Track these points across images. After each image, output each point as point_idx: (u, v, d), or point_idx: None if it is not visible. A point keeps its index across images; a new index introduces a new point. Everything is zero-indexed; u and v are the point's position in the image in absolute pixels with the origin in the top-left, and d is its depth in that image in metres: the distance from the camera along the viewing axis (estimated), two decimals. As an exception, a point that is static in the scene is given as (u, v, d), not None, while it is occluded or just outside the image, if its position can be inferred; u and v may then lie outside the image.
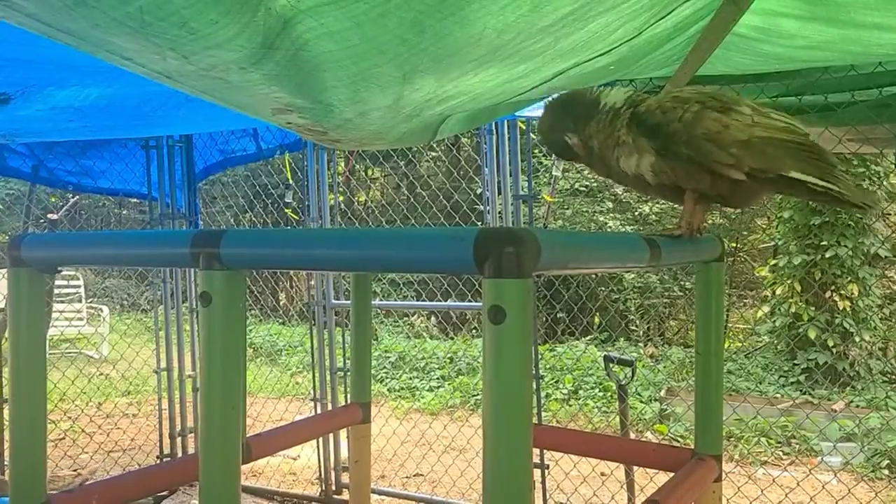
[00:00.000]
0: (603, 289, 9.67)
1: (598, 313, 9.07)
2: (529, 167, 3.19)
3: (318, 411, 3.75)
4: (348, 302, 4.95)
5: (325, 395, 3.79)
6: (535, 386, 3.26)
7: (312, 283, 3.81)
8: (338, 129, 1.56)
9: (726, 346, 10.20)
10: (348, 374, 4.06)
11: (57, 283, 10.20)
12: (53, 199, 8.23)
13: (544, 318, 10.13)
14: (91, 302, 10.49)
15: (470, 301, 5.07)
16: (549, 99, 1.35)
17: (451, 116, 1.96)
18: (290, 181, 3.89)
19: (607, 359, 3.00)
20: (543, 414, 6.28)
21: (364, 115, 1.51)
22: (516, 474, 0.80)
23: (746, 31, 1.98)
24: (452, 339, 8.36)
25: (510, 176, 3.17)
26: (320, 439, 3.76)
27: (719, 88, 2.57)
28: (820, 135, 2.67)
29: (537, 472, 3.23)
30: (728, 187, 1.24)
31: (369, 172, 11.31)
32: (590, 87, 1.33)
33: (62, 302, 9.64)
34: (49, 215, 4.41)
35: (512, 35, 1.30)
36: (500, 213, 3.20)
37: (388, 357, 7.45)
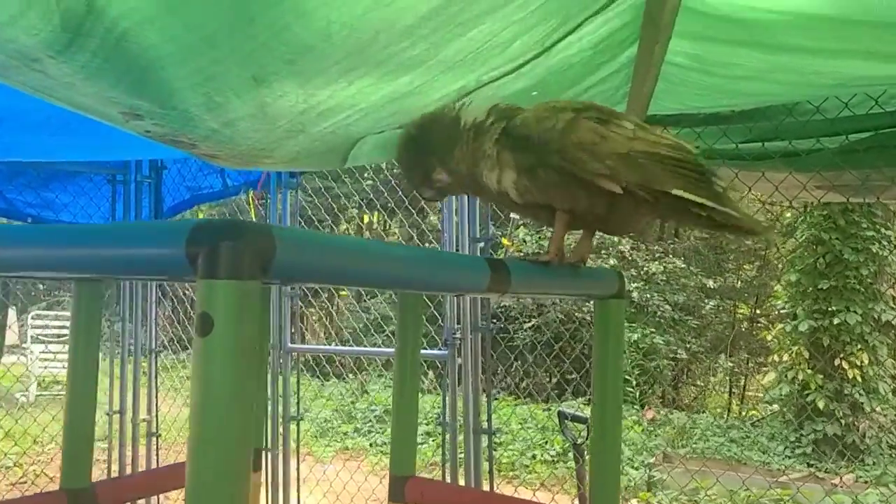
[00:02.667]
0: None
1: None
2: (488, 208, 3.05)
3: (269, 462, 3.55)
4: (309, 346, 4.80)
5: (276, 445, 3.60)
6: (487, 442, 3.06)
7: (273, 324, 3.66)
8: (207, 142, 1.44)
9: (743, 413, 9.83)
10: (301, 422, 3.88)
11: (54, 323, 10.17)
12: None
13: (550, 378, 9.85)
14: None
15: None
16: (404, 126, 1.21)
17: (363, 139, 1.84)
18: (254, 219, 3.79)
19: (562, 415, 2.80)
20: (528, 476, 6.01)
21: (231, 126, 1.39)
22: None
23: (681, 60, 1.85)
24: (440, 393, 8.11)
25: (468, 216, 3.03)
26: (269, 485, 3.55)
27: (670, 131, 2.45)
28: (783, 180, 2.52)
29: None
30: (605, 206, 1.09)
31: (365, 217, 11.26)
32: (449, 104, 1.19)
33: (59, 342, 9.59)
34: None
35: (369, 34, 1.18)
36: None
37: (374, 410, 7.23)
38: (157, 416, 3.98)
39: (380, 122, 1.62)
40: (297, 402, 3.66)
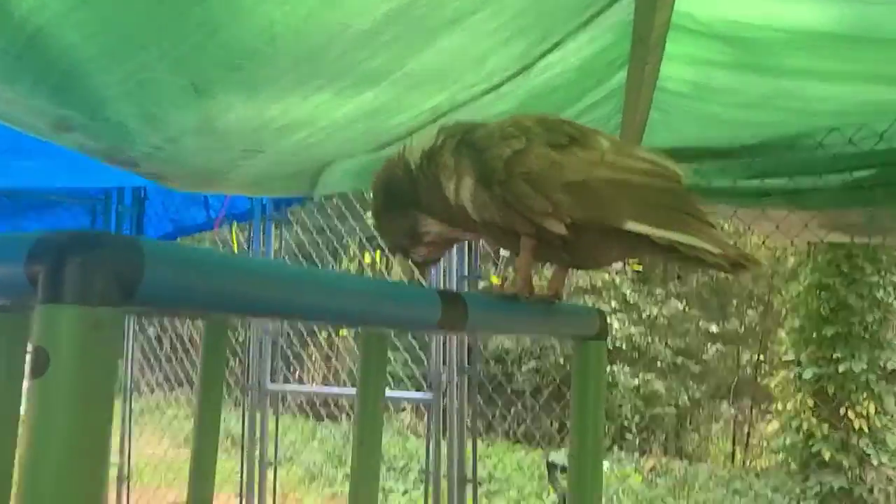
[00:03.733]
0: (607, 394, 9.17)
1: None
2: (477, 246, 2.92)
3: (244, 509, 3.36)
4: (289, 386, 4.61)
5: (252, 491, 3.41)
6: (473, 492, 2.88)
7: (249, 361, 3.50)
8: (151, 160, 1.31)
9: (747, 463, 9.55)
10: (292, 466, 3.69)
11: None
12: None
13: (551, 422, 9.61)
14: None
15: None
16: (371, 203, 1.11)
17: (333, 165, 1.71)
18: (236, 253, 3.66)
19: (551, 465, 2.62)
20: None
21: (175, 143, 1.26)
22: None
23: (676, 87, 1.74)
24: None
25: (456, 253, 2.90)
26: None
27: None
28: (784, 219, 2.39)
29: None
30: (557, 237, 0.95)
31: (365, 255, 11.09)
32: (392, 156, 1.08)
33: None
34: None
35: (320, 39, 1.06)
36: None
37: (366, 454, 6.99)
38: (129, 459, 3.80)
39: (347, 143, 1.49)
40: (276, 446, 3.48)
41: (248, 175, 1.49)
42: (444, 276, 2.92)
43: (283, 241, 3.51)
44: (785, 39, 1.31)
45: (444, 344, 2.92)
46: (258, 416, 3.41)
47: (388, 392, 4.87)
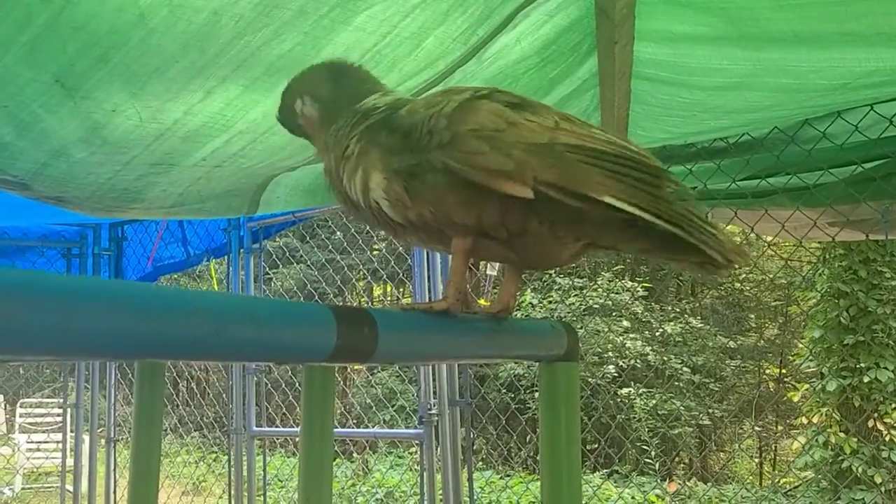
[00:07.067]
0: (622, 416, 8.88)
1: (611, 442, 8.26)
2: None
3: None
4: (274, 429, 4.40)
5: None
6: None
7: (232, 406, 3.30)
8: (42, 181, 1.13)
9: (775, 481, 9.18)
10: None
11: (54, 411, 9.79)
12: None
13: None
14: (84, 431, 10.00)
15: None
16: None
17: (276, 180, 1.53)
18: (216, 288, 3.49)
19: None
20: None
21: (64, 157, 1.09)
22: None
23: (654, 72, 1.55)
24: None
25: (440, 271, 2.70)
26: None
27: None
28: (789, 218, 2.18)
29: None
30: (497, 219, 0.76)
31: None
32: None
33: (53, 431, 9.20)
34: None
35: (204, 16, 0.88)
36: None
37: (376, 493, 6.75)
38: (115, 511, 3.60)
39: (279, 152, 1.31)
40: (264, 492, 3.26)
41: (168, 195, 1.31)
42: (429, 292, 2.72)
43: (261, 276, 3.32)
44: (768, -1, 1.13)
45: (434, 375, 2.71)
46: (244, 460, 3.20)
47: (377, 430, 4.65)
